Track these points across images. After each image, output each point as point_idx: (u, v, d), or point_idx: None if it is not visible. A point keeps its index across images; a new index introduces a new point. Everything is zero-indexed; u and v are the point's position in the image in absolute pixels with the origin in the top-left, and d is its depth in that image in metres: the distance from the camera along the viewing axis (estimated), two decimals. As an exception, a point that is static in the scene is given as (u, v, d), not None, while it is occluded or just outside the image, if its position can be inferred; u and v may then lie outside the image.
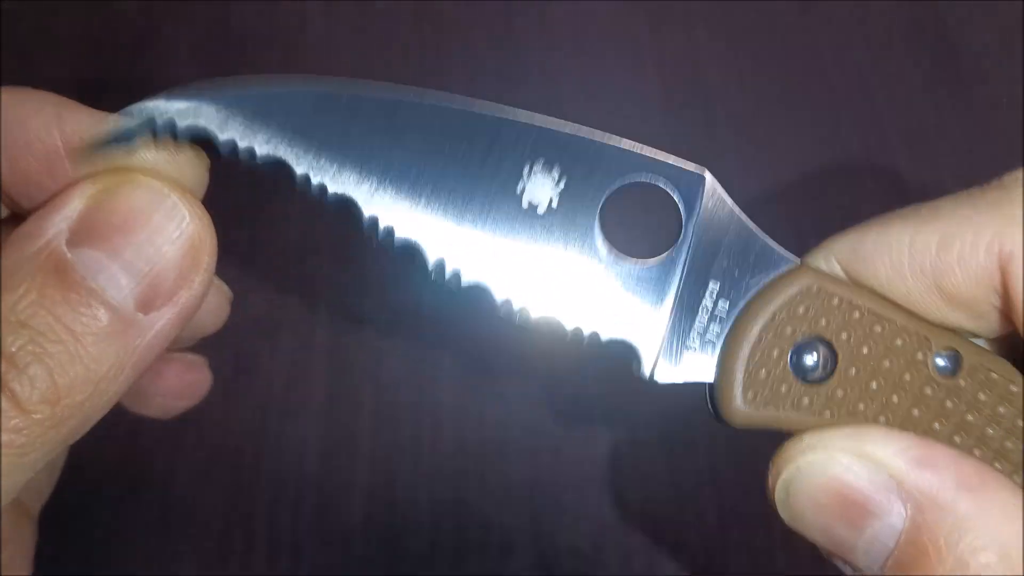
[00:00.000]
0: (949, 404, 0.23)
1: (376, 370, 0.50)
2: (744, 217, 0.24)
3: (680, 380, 0.24)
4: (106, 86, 0.60)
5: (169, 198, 0.20)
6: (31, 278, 0.19)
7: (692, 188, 0.24)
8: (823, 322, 0.24)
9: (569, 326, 0.23)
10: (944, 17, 0.62)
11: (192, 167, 0.22)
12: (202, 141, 0.22)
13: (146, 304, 0.20)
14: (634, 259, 0.24)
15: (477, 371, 0.51)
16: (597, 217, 0.23)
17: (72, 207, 0.20)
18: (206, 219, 0.21)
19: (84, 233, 0.19)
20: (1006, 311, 0.23)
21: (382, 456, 0.48)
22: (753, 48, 0.61)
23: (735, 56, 0.60)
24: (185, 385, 0.25)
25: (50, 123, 0.21)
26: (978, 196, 0.25)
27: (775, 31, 0.62)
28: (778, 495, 0.22)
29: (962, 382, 0.23)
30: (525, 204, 0.23)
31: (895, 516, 0.20)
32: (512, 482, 0.48)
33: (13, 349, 0.18)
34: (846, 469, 0.21)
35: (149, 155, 0.21)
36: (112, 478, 0.46)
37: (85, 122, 0.21)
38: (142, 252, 0.19)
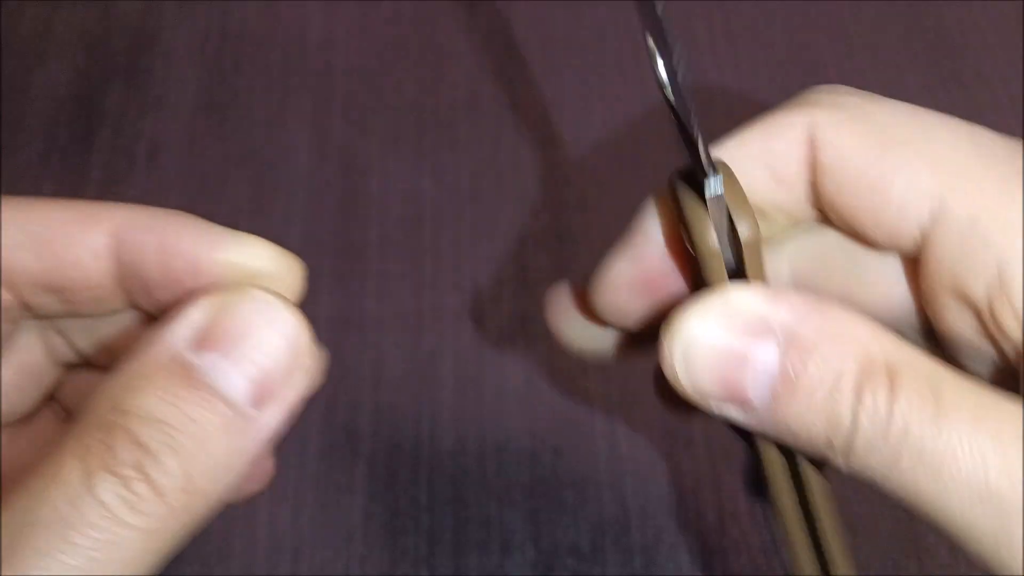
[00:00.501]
0: None
1: (376, 370, 0.50)
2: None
3: None
4: (106, 86, 0.60)
5: (277, 310, 0.24)
6: (164, 379, 0.22)
7: None
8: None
9: None
10: (944, 17, 0.62)
11: (293, 275, 0.26)
12: None
13: (258, 401, 0.23)
14: None
15: (477, 371, 0.51)
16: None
17: (195, 318, 0.23)
18: (306, 326, 0.24)
19: (206, 340, 0.23)
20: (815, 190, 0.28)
21: (382, 456, 0.48)
22: (753, 48, 0.61)
23: (735, 56, 0.60)
24: (259, 471, 0.28)
25: (194, 249, 0.25)
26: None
27: (775, 31, 0.62)
28: (677, 362, 0.24)
29: None
30: None
31: (770, 350, 0.23)
32: (512, 482, 0.48)
33: (149, 442, 0.21)
34: (728, 316, 0.24)
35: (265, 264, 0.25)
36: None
37: (230, 249, 0.25)
38: (255, 357, 0.23)
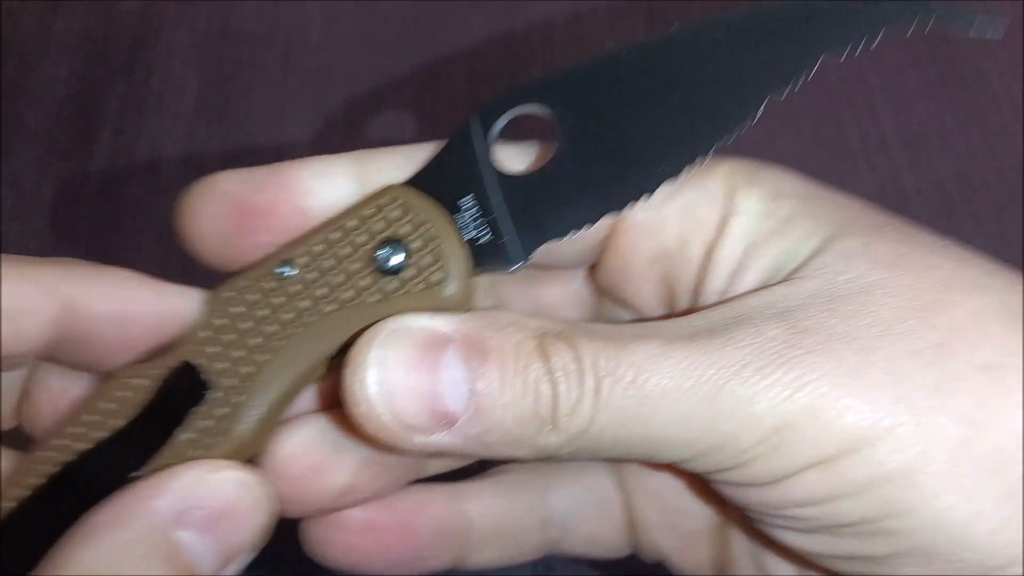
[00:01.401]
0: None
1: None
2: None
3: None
4: (106, 86, 0.60)
5: (249, 489, 0.25)
6: (148, 558, 0.23)
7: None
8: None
9: None
10: (944, 17, 0.62)
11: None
12: None
13: (220, 568, 0.24)
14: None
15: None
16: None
17: (175, 494, 0.24)
18: (276, 502, 0.26)
19: (186, 518, 0.24)
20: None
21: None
22: (753, 48, 0.61)
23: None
24: None
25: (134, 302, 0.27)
26: None
27: (775, 31, 0.62)
28: (373, 395, 0.24)
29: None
30: None
31: (455, 357, 0.24)
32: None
33: None
34: (426, 327, 0.25)
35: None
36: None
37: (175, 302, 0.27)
38: (228, 535, 0.24)
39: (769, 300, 0.25)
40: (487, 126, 0.27)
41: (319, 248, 0.27)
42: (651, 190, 0.26)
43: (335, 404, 0.29)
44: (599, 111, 0.27)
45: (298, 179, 0.28)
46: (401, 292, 0.26)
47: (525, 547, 0.33)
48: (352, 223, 0.27)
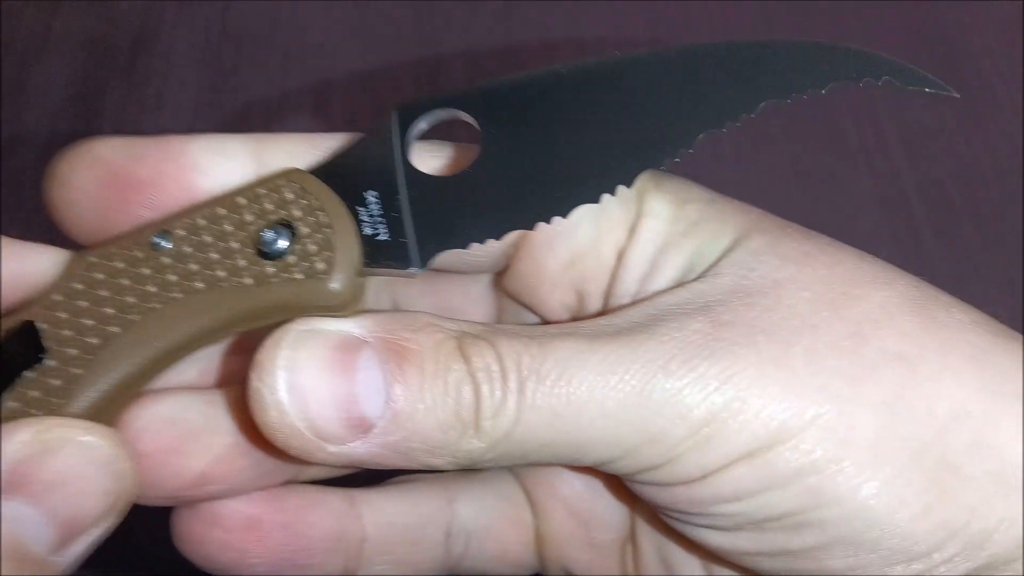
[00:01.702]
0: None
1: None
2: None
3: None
4: (106, 86, 0.60)
5: (101, 453, 0.22)
6: None
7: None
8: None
9: None
10: (944, 17, 0.62)
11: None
12: None
13: (60, 546, 0.21)
14: None
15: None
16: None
17: (9, 456, 0.21)
18: (136, 470, 0.23)
19: (17, 484, 0.21)
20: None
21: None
22: (753, 48, 0.61)
23: (735, 56, 0.60)
24: None
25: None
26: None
27: (775, 31, 0.62)
28: (284, 402, 0.23)
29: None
30: None
31: (370, 360, 0.23)
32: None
33: None
34: (331, 331, 0.24)
35: None
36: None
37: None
38: (69, 506, 0.21)
39: (687, 297, 0.25)
40: (406, 124, 0.26)
41: (201, 222, 0.25)
42: (564, 213, 0.25)
43: (234, 382, 0.27)
44: (523, 127, 0.26)
45: (186, 153, 0.26)
46: (279, 278, 0.24)
47: (424, 561, 0.31)
48: (241, 200, 0.25)
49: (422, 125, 0.27)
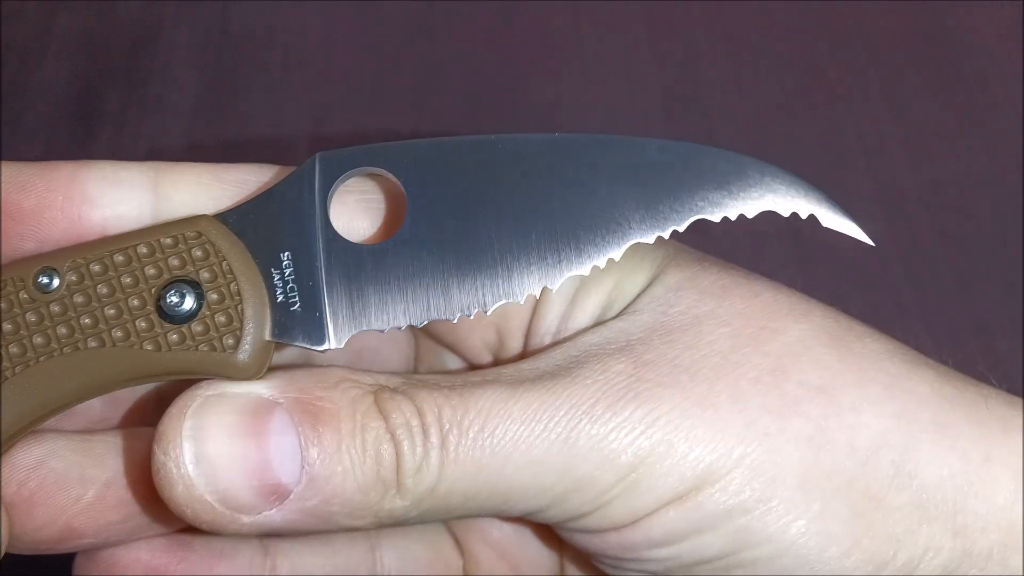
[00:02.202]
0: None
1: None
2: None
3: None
4: (106, 86, 0.60)
5: None
6: None
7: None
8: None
9: None
10: (944, 17, 0.62)
11: None
12: None
13: None
14: None
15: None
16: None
17: None
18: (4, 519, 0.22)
19: None
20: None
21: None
22: (752, 49, 0.61)
23: (734, 56, 0.60)
24: None
25: None
26: None
27: (775, 31, 0.62)
28: (192, 474, 0.22)
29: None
30: None
31: (284, 423, 0.22)
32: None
33: None
34: (241, 398, 0.23)
35: None
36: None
37: None
38: None
39: (608, 336, 0.25)
40: (328, 178, 0.24)
41: (96, 268, 0.22)
42: (485, 308, 0.24)
43: (138, 422, 0.26)
44: (451, 201, 0.24)
45: (76, 182, 0.24)
46: (183, 347, 0.22)
47: None
48: (143, 249, 0.23)
49: (344, 181, 0.25)
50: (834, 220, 0.25)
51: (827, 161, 0.56)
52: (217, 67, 0.60)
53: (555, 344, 0.26)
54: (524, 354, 0.27)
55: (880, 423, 0.24)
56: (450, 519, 0.29)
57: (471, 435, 0.23)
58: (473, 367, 0.29)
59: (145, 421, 0.27)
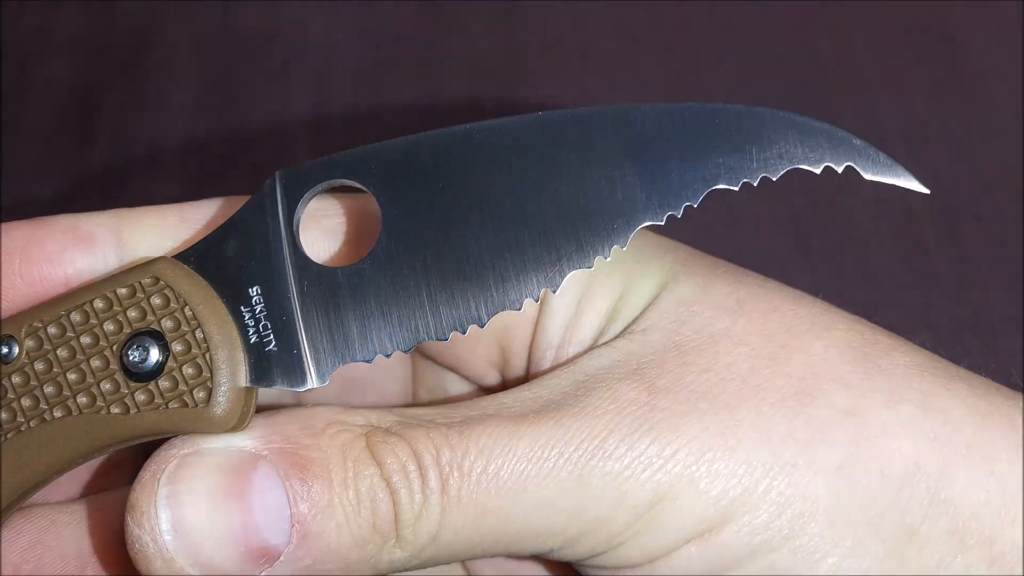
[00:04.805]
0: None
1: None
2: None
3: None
4: (106, 86, 0.60)
5: None
6: None
7: None
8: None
9: None
10: (944, 17, 0.62)
11: None
12: None
13: None
14: None
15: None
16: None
17: None
18: None
19: None
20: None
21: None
22: (753, 48, 0.61)
23: (735, 56, 0.60)
24: None
25: None
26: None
27: (775, 31, 0.62)
28: (169, 545, 0.20)
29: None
30: None
31: (270, 478, 0.21)
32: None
33: None
34: (222, 454, 0.21)
35: None
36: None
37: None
38: None
39: (616, 358, 0.23)
40: (292, 198, 0.22)
41: (53, 330, 0.21)
42: (481, 322, 0.22)
43: (100, 488, 0.24)
44: (430, 205, 0.22)
45: (34, 242, 0.23)
46: (152, 407, 0.21)
47: None
48: (99, 304, 0.21)
49: (309, 200, 0.22)
50: (878, 170, 0.23)
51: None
52: (217, 67, 0.60)
53: (558, 367, 0.24)
54: (529, 370, 0.26)
55: (913, 448, 0.23)
56: (458, 562, 0.27)
57: (474, 477, 0.21)
58: (479, 388, 0.27)
59: (114, 480, 0.25)
